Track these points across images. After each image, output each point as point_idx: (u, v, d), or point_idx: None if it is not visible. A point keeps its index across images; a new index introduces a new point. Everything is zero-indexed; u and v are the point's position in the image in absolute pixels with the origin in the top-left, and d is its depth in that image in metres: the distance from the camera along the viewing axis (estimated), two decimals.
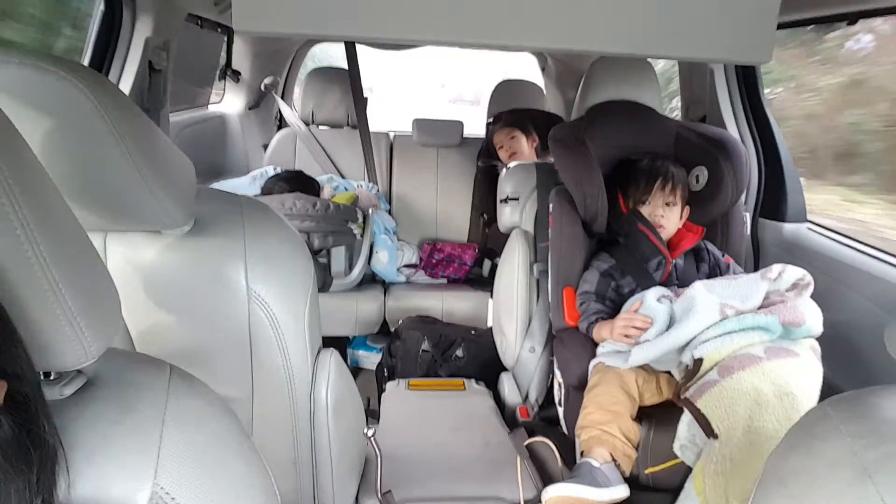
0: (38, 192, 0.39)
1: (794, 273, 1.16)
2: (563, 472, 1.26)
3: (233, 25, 0.55)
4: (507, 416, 1.58)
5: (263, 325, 0.79)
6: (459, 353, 1.84)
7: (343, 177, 2.42)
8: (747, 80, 1.74)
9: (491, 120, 2.40)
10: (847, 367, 1.26)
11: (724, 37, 0.67)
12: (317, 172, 2.29)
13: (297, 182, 2.06)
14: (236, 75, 2.52)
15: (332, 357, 0.90)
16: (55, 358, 0.41)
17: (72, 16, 1.70)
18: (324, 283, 1.93)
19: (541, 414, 1.57)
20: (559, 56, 2.88)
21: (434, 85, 12.07)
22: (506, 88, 2.52)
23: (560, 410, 1.41)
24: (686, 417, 1.07)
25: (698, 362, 1.09)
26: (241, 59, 2.53)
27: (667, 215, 1.34)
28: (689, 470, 1.07)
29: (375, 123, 2.50)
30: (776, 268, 1.17)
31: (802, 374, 1.05)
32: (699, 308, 1.11)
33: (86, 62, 1.55)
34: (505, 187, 1.67)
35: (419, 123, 2.46)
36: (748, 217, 1.60)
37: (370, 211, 2.12)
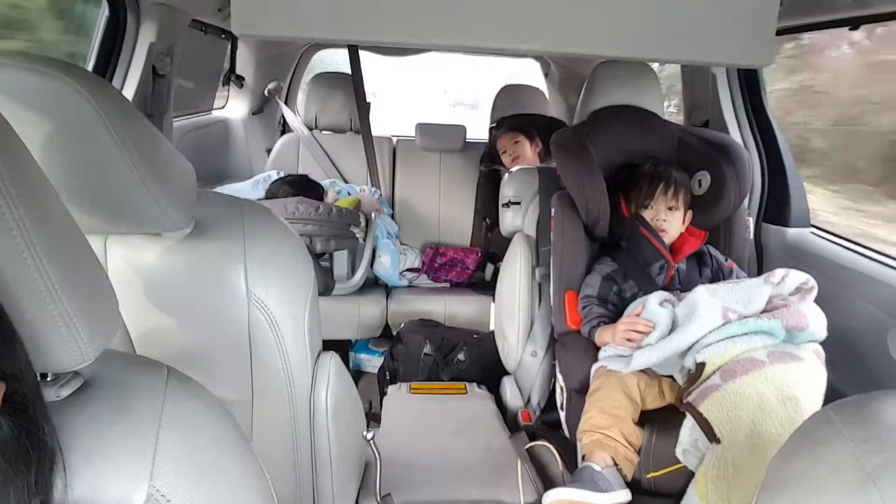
0: (36, 194, 0.39)
1: (797, 277, 1.16)
2: (564, 476, 1.25)
3: (232, 29, 0.55)
4: (509, 420, 1.57)
5: (263, 328, 0.79)
6: (461, 356, 1.83)
7: (346, 181, 2.42)
8: (749, 85, 1.73)
9: (494, 125, 2.40)
10: (851, 371, 1.25)
11: (725, 40, 0.67)
12: (320, 177, 2.30)
13: (300, 186, 2.07)
14: (240, 80, 2.54)
15: (332, 360, 0.90)
16: (52, 359, 0.41)
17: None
18: (326, 286, 1.93)
19: (543, 418, 1.56)
20: (562, 61, 2.89)
21: (436, 90, 12.15)
22: (509, 93, 2.52)
23: (562, 414, 1.41)
24: (688, 422, 1.07)
25: (701, 366, 1.09)
26: (245, 64, 2.54)
27: (669, 219, 1.34)
28: (691, 474, 1.06)
29: (380, 128, 2.51)
30: (779, 272, 1.17)
31: (806, 379, 1.04)
32: (702, 312, 1.10)
33: (90, 67, 1.56)
34: (507, 191, 1.67)
35: (422, 128, 2.47)
36: (751, 221, 1.59)
37: (373, 215, 2.13)
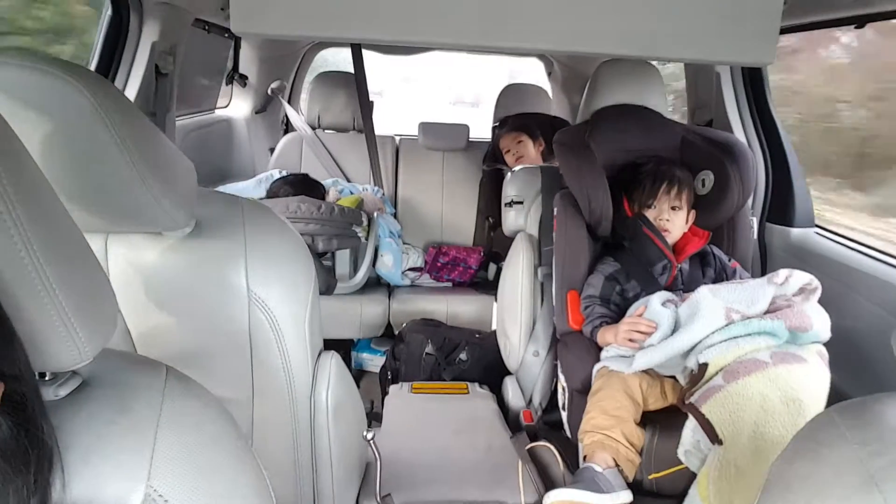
0: (34, 193, 0.39)
1: (801, 278, 1.15)
2: (565, 476, 1.25)
3: (230, 27, 0.55)
4: (511, 420, 1.57)
5: (264, 327, 0.78)
6: (463, 356, 1.83)
7: (349, 180, 2.42)
8: (754, 85, 1.73)
9: (497, 124, 2.40)
10: (855, 373, 1.24)
11: (728, 38, 0.67)
12: (322, 176, 2.30)
13: (302, 185, 2.07)
14: (243, 80, 2.54)
15: (332, 360, 0.90)
16: (50, 358, 0.41)
17: None
18: (328, 286, 1.93)
19: (544, 418, 1.56)
20: (565, 60, 2.88)
21: (441, 88, 12.14)
22: (512, 92, 2.52)
23: (564, 414, 1.40)
24: (690, 423, 1.06)
25: (703, 367, 1.08)
26: (249, 63, 2.55)
27: (672, 219, 1.33)
28: (693, 476, 1.06)
29: (384, 126, 2.50)
30: (783, 272, 1.16)
31: (809, 380, 1.04)
32: (704, 312, 1.10)
33: (93, 66, 1.56)
34: (509, 191, 1.67)
35: (425, 127, 2.47)
36: (755, 222, 1.59)
37: (375, 214, 2.12)
